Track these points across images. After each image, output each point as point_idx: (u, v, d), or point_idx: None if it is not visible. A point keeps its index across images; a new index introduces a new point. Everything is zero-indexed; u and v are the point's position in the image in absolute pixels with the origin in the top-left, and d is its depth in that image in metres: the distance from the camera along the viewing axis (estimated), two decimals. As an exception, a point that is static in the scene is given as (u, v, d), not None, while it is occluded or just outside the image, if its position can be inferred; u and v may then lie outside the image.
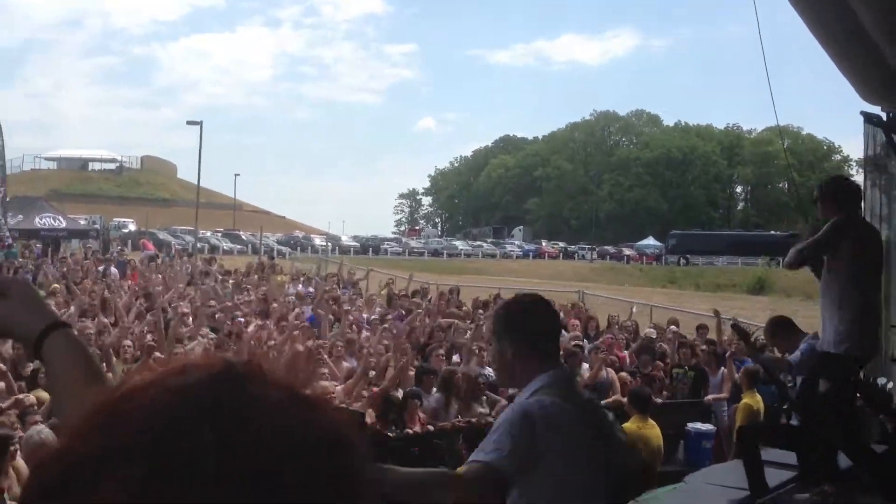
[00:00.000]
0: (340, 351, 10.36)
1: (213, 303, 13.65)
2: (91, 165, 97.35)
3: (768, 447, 6.83)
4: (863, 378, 6.67)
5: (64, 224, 37.92)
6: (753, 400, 9.49)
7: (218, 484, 0.63)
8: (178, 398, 0.67)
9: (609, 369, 9.68)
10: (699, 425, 10.35)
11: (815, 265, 5.86)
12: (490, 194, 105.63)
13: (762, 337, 8.89)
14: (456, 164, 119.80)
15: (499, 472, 2.69)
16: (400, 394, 9.05)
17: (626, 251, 70.51)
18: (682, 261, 62.82)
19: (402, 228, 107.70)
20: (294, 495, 0.66)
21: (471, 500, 2.74)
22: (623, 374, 10.65)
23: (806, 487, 6.06)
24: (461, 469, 2.88)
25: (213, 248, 47.87)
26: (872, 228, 6.13)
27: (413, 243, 73.01)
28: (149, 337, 9.74)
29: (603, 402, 8.71)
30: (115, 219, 61.43)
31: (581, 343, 11.53)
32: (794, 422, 6.39)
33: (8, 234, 30.93)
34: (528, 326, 3.00)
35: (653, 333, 13.70)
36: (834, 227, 5.61)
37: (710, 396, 11.18)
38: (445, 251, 68.44)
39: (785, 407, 7.20)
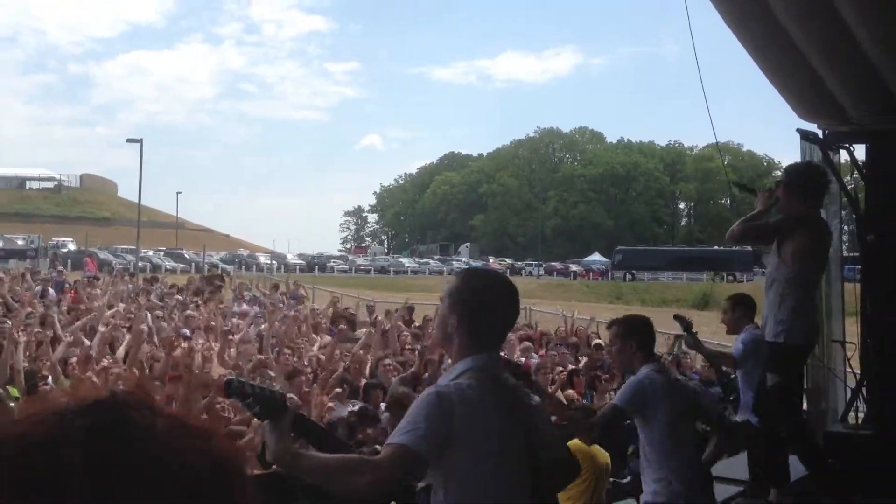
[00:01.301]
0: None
1: (156, 317, 13.38)
2: (29, 184, 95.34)
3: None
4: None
5: (0, 244, 36.94)
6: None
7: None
8: (53, 421, 0.69)
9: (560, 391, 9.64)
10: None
11: (757, 244, 5.80)
12: (436, 211, 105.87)
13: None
14: (401, 182, 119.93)
15: (415, 453, 2.65)
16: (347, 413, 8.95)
17: (573, 267, 71.17)
18: (629, 276, 63.62)
19: (349, 246, 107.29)
20: None
21: (387, 482, 2.69)
22: (570, 391, 10.65)
23: (752, 497, 6.11)
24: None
25: (156, 267, 47.05)
26: (827, 227, 6.11)
27: (360, 261, 72.75)
28: (89, 352, 9.49)
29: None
30: (53, 238, 60.01)
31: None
32: (737, 418, 6.41)
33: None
34: (481, 305, 2.94)
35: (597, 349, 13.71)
36: (790, 217, 5.56)
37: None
38: (392, 269, 68.31)
39: (731, 399, 7.21)
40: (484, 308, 2.93)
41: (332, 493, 2.74)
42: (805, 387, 8.52)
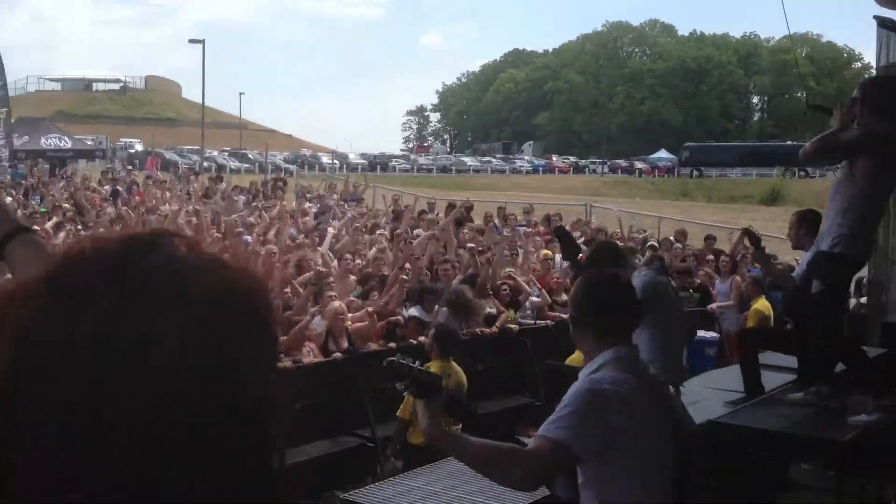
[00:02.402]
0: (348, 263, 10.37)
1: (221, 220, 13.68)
2: (95, 86, 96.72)
3: (766, 350, 6.87)
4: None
5: (70, 144, 37.84)
6: (763, 305, 9.52)
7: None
8: (96, 246, 0.77)
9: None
10: (703, 333, 10.42)
11: (829, 160, 5.61)
12: (499, 109, 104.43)
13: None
14: (464, 80, 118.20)
15: (568, 449, 2.70)
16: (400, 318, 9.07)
17: (638, 164, 69.81)
18: (695, 173, 62.21)
19: (411, 145, 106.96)
20: (204, 332, 0.73)
21: (539, 477, 2.84)
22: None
23: (800, 389, 6.11)
24: (530, 444, 2.91)
25: (221, 167, 47.77)
26: None
27: (421, 160, 72.56)
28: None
29: None
30: (121, 139, 61.27)
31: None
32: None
33: (6, 155, 30.93)
34: (601, 305, 3.03)
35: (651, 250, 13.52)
36: (871, 135, 5.28)
37: (714, 305, 11.21)
38: (454, 167, 68.05)
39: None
40: (603, 304, 3.03)
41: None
42: (866, 279, 8.36)
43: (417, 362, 2.81)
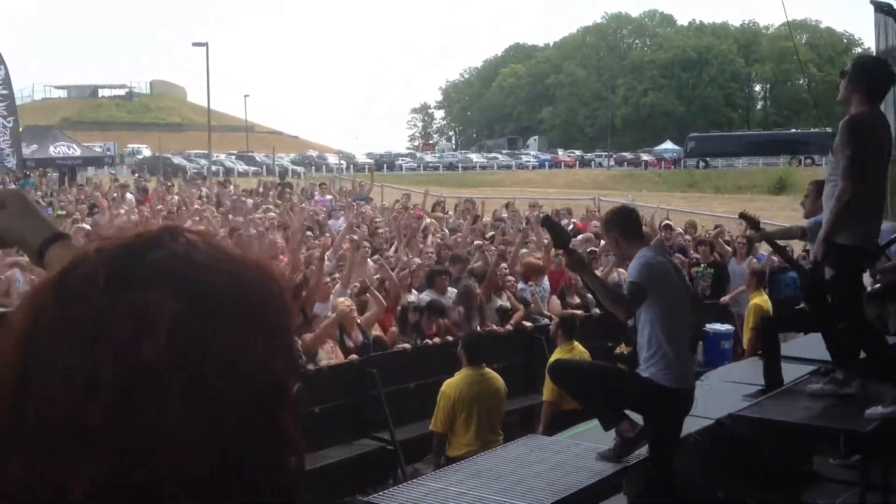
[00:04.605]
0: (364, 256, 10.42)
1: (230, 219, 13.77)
2: (101, 92, 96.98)
3: (790, 334, 6.87)
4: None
5: (79, 152, 37.96)
6: (762, 300, 9.50)
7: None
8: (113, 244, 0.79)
9: (619, 270, 9.64)
10: (717, 326, 10.42)
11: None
12: (503, 105, 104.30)
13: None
14: (467, 76, 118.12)
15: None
16: (420, 302, 9.19)
17: (644, 157, 69.65)
18: (702, 164, 62.03)
19: (417, 143, 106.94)
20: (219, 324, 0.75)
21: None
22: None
23: (819, 379, 6.13)
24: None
25: (228, 171, 47.90)
26: (881, 120, 5.68)
27: (428, 158, 72.62)
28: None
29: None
30: (129, 145, 61.43)
31: (595, 248, 11.52)
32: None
33: (13, 164, 31.02)
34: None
35: (666, 229, 13.58)
36: (850, 137, 5.24)
37: (726, 297, 11.21)
38: (461, 164, 68.07)
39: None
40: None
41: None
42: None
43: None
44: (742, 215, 6.78)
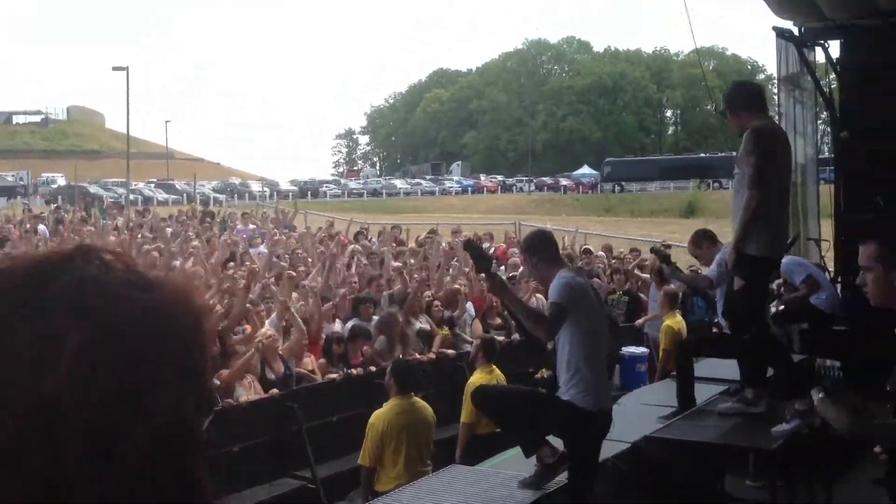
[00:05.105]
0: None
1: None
2: (16, 119, 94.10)
3: (703, 357, 7.14)
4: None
5: (-12, 182, 36.74)
6: (674, 321, 9.79)
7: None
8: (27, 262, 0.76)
9: (538, 296, 9.81)
10: (633, 349, 10.68)
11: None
12: (427, 130, 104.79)
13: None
14: (391, 101, 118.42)
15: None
16: (345, 331, 9.18)
17: (563, 181, 70.98)
18: (617, 188, 63.55)
19: (341, 170, 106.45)
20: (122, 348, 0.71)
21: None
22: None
23: (728, 398, 6.34)
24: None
25: (147, 200, 46.90)
26: (781, 132, 6.19)
27: (352, 184, 72.41)
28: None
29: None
30: (43, 174, 59.63)
31: (515, 274, 11.70)
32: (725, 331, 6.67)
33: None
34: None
35: (586, 253, 13.90)
36: (757, 149, 5.51)
37: (641, 320, 11.51)
38: (385, 191, 68.08)
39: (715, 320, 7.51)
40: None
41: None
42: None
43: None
44: (654, 251, 7.08)
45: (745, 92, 5.93)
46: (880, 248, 3.21)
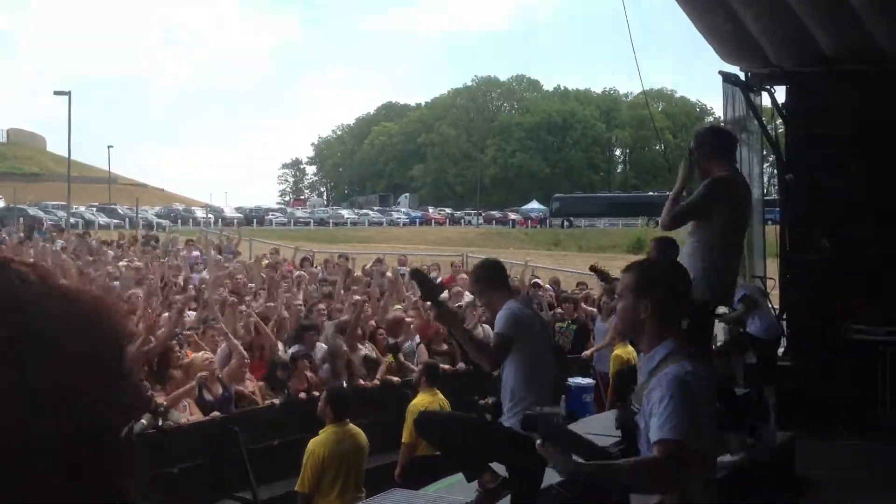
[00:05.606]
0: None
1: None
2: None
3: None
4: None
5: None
6: (624, 351, 9.86)
7: None
8: None
9: (485, 325, 9.82)
10: (579, 379, 10.70)
11: (691, 220, 5.78)
12: (375, 162, 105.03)
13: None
14: (339, 132, 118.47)
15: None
16: (287, 355, 9.08)
17: (512, 215, 71.63)
18: (566, 223, 64.35)
19: (287, 199, 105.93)
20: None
21: (673, 483, 3.04)
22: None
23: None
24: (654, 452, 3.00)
25: (89, 223, 45.97)
26: (745, 185, 6.06)
27: (298, 213, 72.06)
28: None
29: None
30: (-20, 196, 58.13)
31: (461, 304, 11.68)
32: None
33: None
34: (671, 292, 3.22)
35: (535, 286, 13.97)
36: (707, 193, 5.47)
37: (588, 351, 11.57)
38: (331, 220, 67.85)
39: None
40: (672, 292, 3.23)
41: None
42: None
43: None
44: (592, 268, 7.09)
45: (715, 140, 5.76)
46: (638, 278, 3.20)
